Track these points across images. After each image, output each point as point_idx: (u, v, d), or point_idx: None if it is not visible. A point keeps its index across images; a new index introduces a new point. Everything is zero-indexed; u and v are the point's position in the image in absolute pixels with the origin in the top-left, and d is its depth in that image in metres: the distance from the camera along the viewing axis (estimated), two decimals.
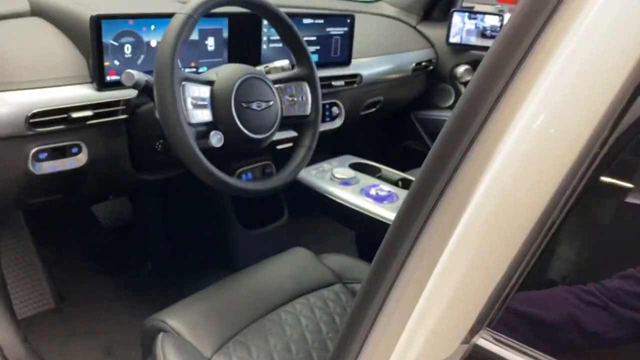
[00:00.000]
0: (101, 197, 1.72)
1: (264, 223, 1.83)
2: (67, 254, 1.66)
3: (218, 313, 1.13)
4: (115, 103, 1.20)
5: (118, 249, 1.78)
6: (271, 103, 1.15)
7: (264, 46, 1.48)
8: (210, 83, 1.09)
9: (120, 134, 1.25)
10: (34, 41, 1.18)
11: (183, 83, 1.02)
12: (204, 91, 1.07)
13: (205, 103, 1.06)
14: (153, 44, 1.23)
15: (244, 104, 1.10)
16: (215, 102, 1.08)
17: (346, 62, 1.69)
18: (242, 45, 1.41)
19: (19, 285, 1.51)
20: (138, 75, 1.05)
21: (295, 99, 1.22)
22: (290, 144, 1.46)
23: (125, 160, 1.29)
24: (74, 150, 1.18)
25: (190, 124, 1.02)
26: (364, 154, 1.71)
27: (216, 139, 1.07)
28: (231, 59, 1.38)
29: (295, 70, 1.24)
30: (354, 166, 1.61)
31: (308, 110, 1.24)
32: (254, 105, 1.12)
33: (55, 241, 1.64)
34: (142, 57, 1.21)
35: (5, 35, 1.10)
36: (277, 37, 1.50)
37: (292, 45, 1.22)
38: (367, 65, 1.80)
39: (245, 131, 1.10)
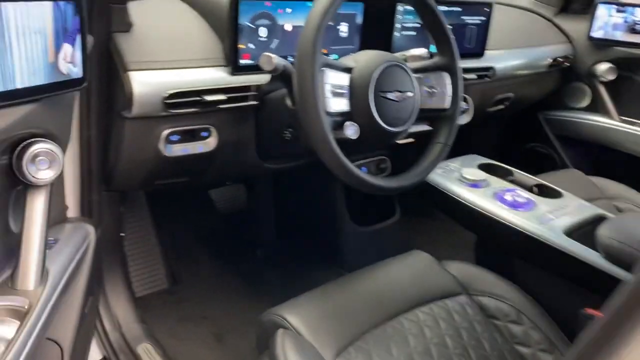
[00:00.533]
0: (219, 182, 1.72)
1: (375, 220, 1.76)
2: (182, 237, 1.67)
3: (338, 314, 1.06)
4: (247, 88, 1.16)
5: (230, 234, 1.77)
6: (410, 94, 1.06)
7: (396, 34, 1.39)
8: (348, 70, 1.02)
9: (248, 121, 1.22)
10: (171, 21, 1.17)
11: (323, 69, 0.96)
12: (343, 79, 1.00)
13: (343, 91, 0.99)
14: (288, 27, 1.18)
15: (382, 94, 1.02)
16: (353, 91, 1.01)
17: (479, 53, 1.57)
18: (375, 33, 1.33)
19: (136, 264, 1.54)
20: (277, 59, 1.00)
21: (435, 90, 1.12)
22: (412, 140, 1.38)
23: (251, 148, 1.25)
24: (204, 134, 1.16)
25: (328, 113, 0.96)
26: (483, 155, 1.58)
27: (351, 131, 1.00)
28: (362, 47, 1.31)
29: (436, 60, 1.14)
30: (482, 167, 1.48)
31: (447, 104, 1.14)
32: (392, 96, 1.03)
33: (172, 223, 1.65)
34: (276, 41, 1.17)
35: (145, 15, 1.09)
36: (411, 25, 1.41)
37: (435, 32, 1.12)
38: (500, 58, 1.66)
39: (381, 123, 1.02)
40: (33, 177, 0.74)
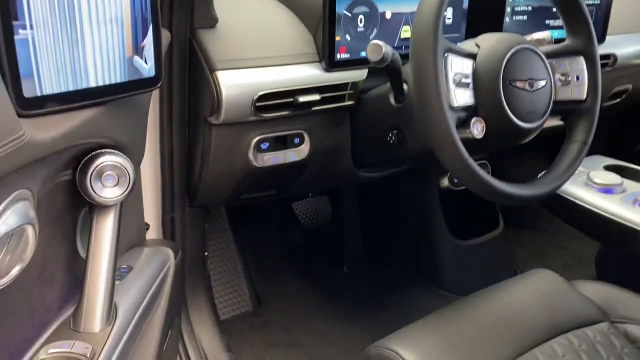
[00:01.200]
0: (304, 194, 1.58)
1: (475, 233, 1.57)
2: (265, 254, 1.55)
3: (458, 348, 0.90)
4: (344, 86, 1.02)
5: (315, 250, 1.63)
6: (544, 82, 0.88)
7: (507, 19, 1.21)
8: (472, 56, 0.85)
9: (343, 124, 1.07)
10: (255, 14, 1.04)
11: (446, 54, 0.80)
12: (467, 66, 0.84)
13: (468, 81, 0.83)
14: (388, 15, 1.03)
15: (512, 83, 0.85)
16: (478, 80, 0.84)
17: (600, 38, 1.36)
18: (482, 18, 1.15)
19: (220, 286, 1.43)
20: (386, 47, 0.85)
21: (570, 78, 0.94)
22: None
23: (345, 154, 1.11)
24: (296, 140, 1.02)
25: (452, 108, 0.80)
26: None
27: (478, 129, 0.83)
28: (469, 35, 1.14)
29: (569, 42, 0.96)
30: (609, 169, 1.27)
31: (584, 94, 0.95)
32: (526, 85, 0.86)
33: (254, 240, 1.53)
34: (375, 31, 1.02)
35: (225, 8, 0.97)
36: (523, 8, 1.22)
37: (568, 10, 0.94)
38: (621, 43, 1.44)
39: (514, 118, 0.85)
40: (98, 195, 0.62)
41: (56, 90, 0.54)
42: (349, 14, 0.98)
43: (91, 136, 0.60)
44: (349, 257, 1.65)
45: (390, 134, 0.99)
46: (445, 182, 1.51)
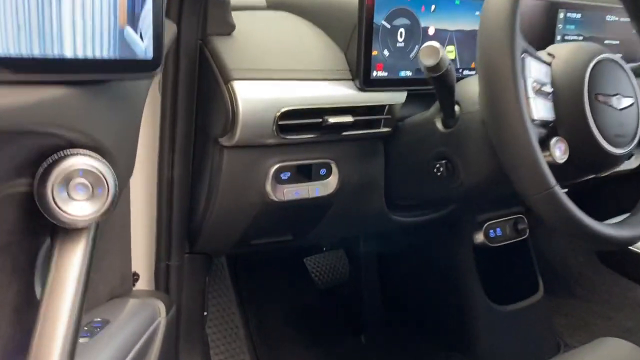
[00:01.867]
0: (317, 246, 1.39)
1: (514, 297, 1.37)
2: (271, 316, 1.33)
3: None
4: (380, 110, 0.86)
5: (329, 314, 1.42)
6: (631, 101, 0.73)
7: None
8: (547, 64, 0.70)
9: (376, 155, 0.91)
10: (279, 30, 0.90)
11: (523, 56, 0.64)
12: (546, 73, 0.68)
13: (548, 90, 0.67)
14: (431, 31, 0.88)
15: (599, 98, 0.69)
16: (558, 90, 0.68)
17: None
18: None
19: (217, 355, 1.20)
20: (443, 51, 0.69)
21: None
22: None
23: (377, 192, 0.93)
24: (322, 171, 0.85)
25: (533, 121, 0.63)
26: None
27: (560, 150, 0.67)
28: None
29: None
30: None
31: None
32: (613, 101, 0.70)
33: (258, 298, 1.32)
34: (416, 48, 0.87)
35: (242, 19, 0.83)
36: (573, 37, 1.10)
37: None
38: None
39: (601, 140, 0.69)
40: (63, 212, 0.43)
41: (11, 53, 0.38)
42: (388, 26, 0.84)
43: (56, 124, 0.42)
44: (368, 324, 1.44)
45: (436, 166, 0.82)
46: (480, 237, 1.33)
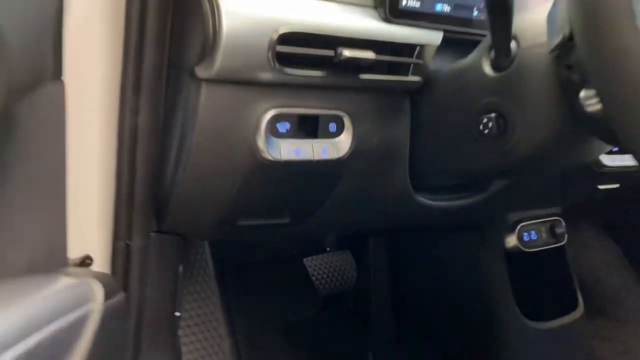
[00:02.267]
0: (319, 242, 1.18)
1: (549, 314, 1.16)
2: (262, 326, 1.12)
3: None
4: (409, 50, 0.67)
5: (331, 327, 1.20)
6: None
7: None
8: None
9: (401, 113, 0.71)
10: None
11: None
12: None
13: None
14: None
15: None
16: None
17: None
18: None
19: None
20: None
21: None
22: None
23: (399, 164, 0.73)
24: (332, 127, 0.66)
25: None
26: None
27: None
28: None
29: None
30: None
31: None
32: None
33: (248, 303, 1.11)
34: None
35: None
36: None
37: None
38: None
39: None
40: None
41: None
42: None
43: None
44: (376, 341, 1.22)
45: (483, 121, 0.62)
46: (512, 240, 1.13)
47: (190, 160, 0.62)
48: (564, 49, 0.52)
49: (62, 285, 0.47)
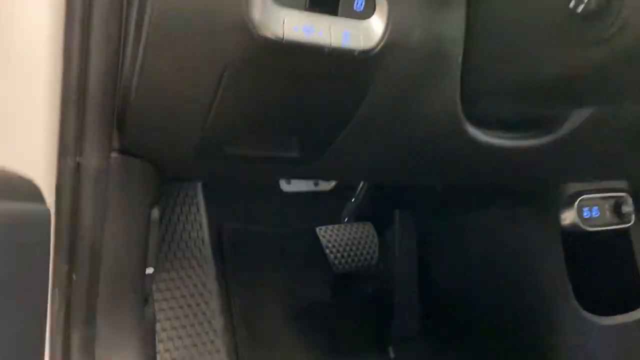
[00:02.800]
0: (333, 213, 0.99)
1: (610, 308, 0.95)
2: (265, 306, 0.94)
3: None
4: None
5: (346, 312, 1.01)
6: None
7: None
8: None
9: (455, 4, 0.52)
10: None
11: None
12: None
13: None
14: None
15: None
16: None
17: None
18: None
19: (177, 347, 0.81)
20: None
21: None
22: None
23: (450, 71, 0.54)
24: (358, 3, 0.47)
25: None
26: None
27: None
28: None
29: None
30: None
31: None
32: None
33: (247, 276, 0.93)
34: None
35: None
36: None
37: None
38: None
39: None
40: None
41: None
42: None
43: None
44: (398, 336, 1.02)
45: None
46: (570, 216, 0.94)
47: (154, 43, 0.44)
48: None
49: None
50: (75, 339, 0.56)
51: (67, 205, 0.52)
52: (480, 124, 0.61)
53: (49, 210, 0.49)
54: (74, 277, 0.55)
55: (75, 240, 0.53)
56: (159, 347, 0.80)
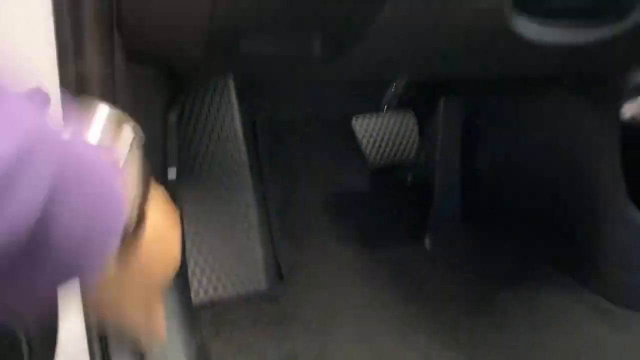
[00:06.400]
0: (371, 102, 0.93)
1: None
2: (301, 201, 0.92)
3: None
4: None
5: (383, 206, 0.99)
6: None
7: None
8: None
9: None
10: None
11: None
12: None
13: None
14: None
15: None
16: None
17: None
18: None
19: (212, 240, 0.82)
20: None
21: None
22: None
23: None
24: None
25: None
26: None
27: None
28: None
29: None
30: None
31: None
32: None
33: (284, 172, 0.91)
34: None
35: None
36: None
37: None
38: None
39: None
40: None
41: None
42: None
43: None
44: (437, 224, 1.00)
45: None
46: (633, 109, 0.84)
47: None
48: None
49: None
50: None
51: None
52: (533, 12, 0.52)
53: None
54: None
55: None
56: (195, 239, 0.81)
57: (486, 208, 1.03)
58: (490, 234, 1.02)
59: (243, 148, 0.88)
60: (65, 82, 0.48)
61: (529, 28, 0.51)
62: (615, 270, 0.87)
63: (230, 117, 0.87)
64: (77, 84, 0.48)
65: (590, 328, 0.81)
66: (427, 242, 1.01)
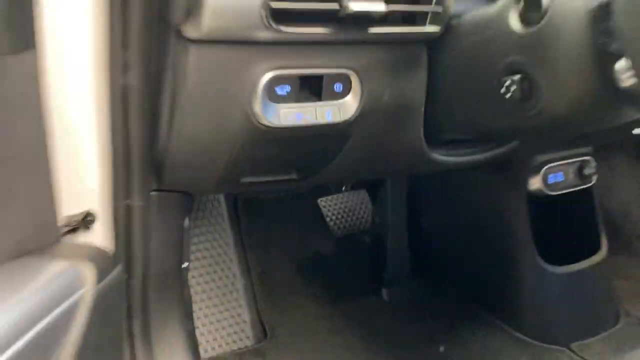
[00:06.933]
0: (336, 185, 1.15)
1: (571, 257, 1.13)
2: (278, 267, 1.12)
3: None
4: None
5: (346, 266, 1.20)
6: None
7: None
8: None
9: (416, 66, 0.65)
10: None
11: None
12: None
13: None
14: None
15: None
16: None
17: None
18: None
19: (208, 308, 1.01)
20: None
21: None
22: None
23: (413, 120, 0.68)
24: (338, 87, 0.60)
25: None
26: None
27: None
28: None
29: None
30: None
31: None
32: None
33: (262, 244, 1.11)
34: None
35: None
36: None
37: None
38: None
39: None
40: None
41: None
42: None
43: None
44: (391, 279, 1.22)
45: (506, 84, 0.56)
46: (536, 182, 1.08)
47: (182, 123, 0.58)
48: (603, 11, 0.44)
49: (50, 274, 0.45)
50: (136, 324, 0.75)
51: (122, 234, 0.69)
52: (441, 144, 0.74)
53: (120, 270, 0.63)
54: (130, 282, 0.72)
55: (130, 255, 0.70)
56: (194, 307, 0.99)
57: (431, 263, 1.25)
58: (434, 282, 1.24)
59: (228, 228, 1.08)
60: (117, 211, 0.67)
61: (436, 154, 0.74)
62: (528, 308, 1.10)
63: (216, 201, 1.07)
64: (126, 216, 0.67)
65: (506, 354, 1.02)
66: (385, 294, 1.21)
